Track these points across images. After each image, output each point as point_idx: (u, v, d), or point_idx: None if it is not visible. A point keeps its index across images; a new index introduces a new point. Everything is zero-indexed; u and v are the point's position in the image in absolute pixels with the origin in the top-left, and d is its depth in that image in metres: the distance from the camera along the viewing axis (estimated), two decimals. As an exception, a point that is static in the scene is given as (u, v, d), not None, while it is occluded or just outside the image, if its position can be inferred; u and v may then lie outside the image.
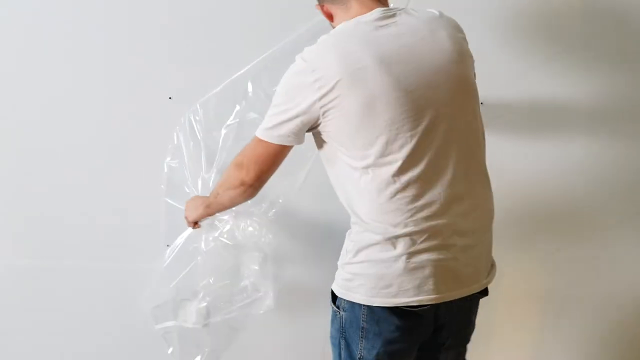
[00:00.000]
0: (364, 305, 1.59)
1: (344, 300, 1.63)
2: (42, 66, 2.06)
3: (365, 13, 1.57)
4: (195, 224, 1.96)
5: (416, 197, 1.53)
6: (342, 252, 1.67)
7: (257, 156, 1.63)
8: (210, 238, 2.00)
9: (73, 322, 2.23)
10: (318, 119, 1.53)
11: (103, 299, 2.21)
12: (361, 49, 1.50)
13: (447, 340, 1.71)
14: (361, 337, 1.62)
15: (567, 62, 2.12)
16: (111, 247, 2.18)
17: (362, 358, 1.64)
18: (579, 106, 2.16)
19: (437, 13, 1.62)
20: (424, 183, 1.53)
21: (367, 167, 1.53)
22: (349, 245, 1.63)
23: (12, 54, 2.05)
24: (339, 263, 1.67)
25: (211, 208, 1.85)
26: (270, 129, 1.59)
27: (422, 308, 1.58)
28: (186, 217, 1.95)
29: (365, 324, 1.60)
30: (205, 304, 2.03)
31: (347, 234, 1.67)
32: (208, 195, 1.88)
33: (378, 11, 1.56)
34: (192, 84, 2.07)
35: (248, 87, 2.03)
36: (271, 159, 1.62)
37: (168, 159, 2.09)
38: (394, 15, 1.56)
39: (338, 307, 1.65)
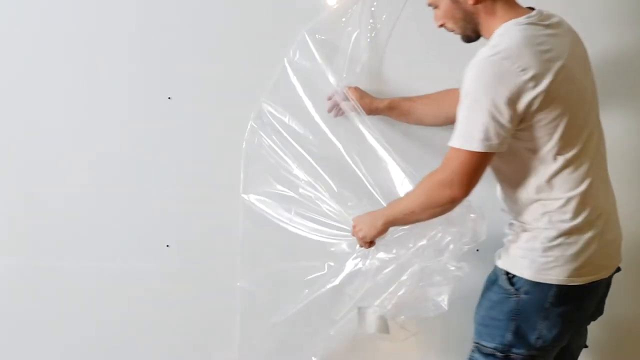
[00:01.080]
0: (555, 285, 1.67)
1: (530, 282, 1.69)
2: (41, 66, 2.07)
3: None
4: (371, 243, 1.89)
5: (591, 183, 1.66)
6: (524, 237, 1.71)
7: (468, 168, 1.61)
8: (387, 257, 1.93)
9: (73, 322, 2.23)
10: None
11: (103, 299, 2.21)
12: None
13: (596, 314, 1.86)
14: (543, 318, 1.70)
15: None
16: (111, 247, 2.18)
17: (541, 338, 1.71)
18: None
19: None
20: (593, 171, 1.67)
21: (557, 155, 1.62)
22: (538, 230, 1.68)
23: (12, 54, 2.06)
24: (521, 246, 1.71)
25: (395, 224, 1.82)
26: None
27: (594, 284, 1.72)
28: (362, 237, 1.86)
29: (549, 304, 1.69)
30: (384, 312, 1.95)
31: (520, 220, 1.72)
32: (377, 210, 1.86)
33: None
34: (192, 84, 2.08)
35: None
36: (483, 168, 1.63)
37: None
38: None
39: (517, 290, 1.70)
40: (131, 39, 2.06)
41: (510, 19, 1.62)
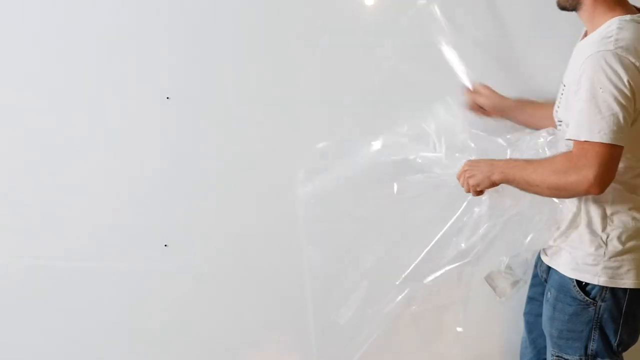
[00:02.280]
0: (631, 289, 1.67)
1: (606, 288, 1.68)
2: (40, 66, 2.06)
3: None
4: (480, 192, 1.79)
5: None
6: (593, 243, 1.69)
7: (605, 160, 1.56)
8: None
9: (73, 322, 2.23)
10: None
11: (103, 299, 2.21)
12: None
13: None
14: (624, 323, 1.71)
15: None
16: (110, 247, 2.18)
17: (623, 343, 1.73)
18: None
19: None
20: None
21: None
22: (609, 234, 1.68)
23: (12, 54, 2.06)
24: (590, 253, 1.68)
25: (510, 184, 1.73)
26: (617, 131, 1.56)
27: None
28: (473, 184, 1.75)
29: (627, 308, 1.69)
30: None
31: (587, 225, 1.70)
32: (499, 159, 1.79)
33: None
34: (190, 84, 2.08)
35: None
36: (617, 161, 1.59)
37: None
38: None
39: (594, 299, 1.69)
40: (129, 39, 2.05)
41: (625, 13, 1.63)
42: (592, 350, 1.72)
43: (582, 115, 1.57)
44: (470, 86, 2.00)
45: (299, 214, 2.10)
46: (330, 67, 2.08)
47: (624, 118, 1.54)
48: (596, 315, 1.70)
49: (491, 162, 1.75)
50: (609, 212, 1.68)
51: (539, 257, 1.88)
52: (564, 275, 1.72)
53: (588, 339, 1.72)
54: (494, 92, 1.99)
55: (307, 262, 2.14)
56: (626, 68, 1.53)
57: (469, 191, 1.78)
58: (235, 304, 2.23)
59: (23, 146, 2.12)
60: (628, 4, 1.68)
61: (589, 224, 1.69)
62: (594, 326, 1.71)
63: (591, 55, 1.56)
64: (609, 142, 1.54)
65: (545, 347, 1.85)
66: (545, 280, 1.82)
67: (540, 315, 1.84)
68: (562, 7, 1.73)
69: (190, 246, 2.18)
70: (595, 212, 1.68)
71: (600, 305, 1.69)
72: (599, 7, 1.65)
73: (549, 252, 1.78)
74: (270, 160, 2.13)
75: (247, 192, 2.16)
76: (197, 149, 2.13)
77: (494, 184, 1.73)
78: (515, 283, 1.91)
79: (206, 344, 2.24)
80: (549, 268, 1.79)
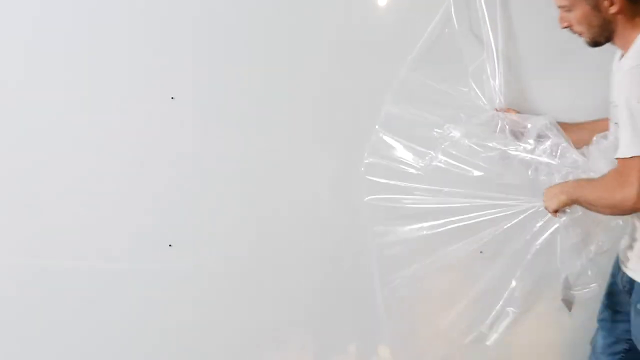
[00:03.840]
0: None
1: None
2: (44, 66, 2.05)
3: None
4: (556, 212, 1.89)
5: None
6: None
7: None
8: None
9: (73, 322, 2.22)
10: None
11: (103, 299, 2.20)
12: None
13: None
14: None
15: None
16: (112, 247, 2.17)
17: None
18: None
19: None
20: None
21: None
22: None
23: (16, 54, 2.05)
24: None
25: (579, 205, 1.82)
26: None
27: None
28: (545, 207, 1.91)
29: None
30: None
31: None
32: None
33: None
34: (195, 83, 2.08)
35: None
36: None
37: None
38: None
39: None
40: (134, 39, 2.05)
41: None
42: None
43: (622, 132, 1.60)
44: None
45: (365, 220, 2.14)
46: (335, 65, 2.10)
47: None
48: None
49: (562, 184, 1.87)
50: None
51: (616, 267, 1.91)
52: None
53: None
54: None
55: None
56: None
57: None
58: (238, 305, 2.23)
59: (27, 145, 2.10)
60: None
61: None
62: None
63: (627, 70, 1.60)
64: None
65: (622, 352, 1.94)
66: (628, 291, 1.84)
67: (617, 321, 1.93)
68: (596, 44, 1.75)
69: (193, 246, 2.18)
70: None
71: None
72: (629, 32, 1.68)
73: (629, 264, 1.82)
74: (274, 160, 2.14)
75: (251, 192, 2.16)
76: (201, 148, 2.13)
77: (563, 204, 1.83)
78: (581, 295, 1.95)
79: (206, 344, 2.24)
80: (632, 280, 1.81)
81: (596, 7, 1.67)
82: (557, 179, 1.91)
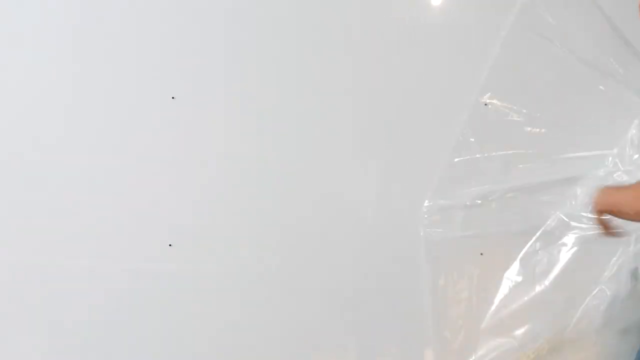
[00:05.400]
0: None
1: None
2: (44, 65, 2.06)
3: None
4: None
5: None
6: None
7: None
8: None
9: (73, 322, 2.21)
10: None
11: (103, 299, 2.20)
12: None
13: None
14: None
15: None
16: (112, 247, 2.17)
17: None
18: None
19: None
20: None
21: None
22: None
23: (16, 54, 2.05)
24: None
25: (612, 215, 1.81)
26: None
27: None
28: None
29: None
30: None
31: None
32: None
33: None
34: (196, 83, 2.09)
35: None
36: None
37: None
38: None
39: None
40: (133, 38, 2.06)
41: None
42: None
43: None
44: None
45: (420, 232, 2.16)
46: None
47: None
48: None
49: (599, 193, 1.86)
50: None
51: None
52: None
53: None
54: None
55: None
56: None
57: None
58: (238, 305, 2.23)
59: (26, 145, 2.10)
60: None
61: None
62: None
63: None
64: None
65: None
66: None
67: None
68: None
69: (193, 246, 2.18)
70: None
71: None
72: None
73: None
74: (276, 161, 2.15)
75: (251, 192, 2.16)
76: (202, 148, 2.13)
77: (600, 213, 1.83)
78: None
79: (205, 345, 2.24)
80: None
81: None
82: None
